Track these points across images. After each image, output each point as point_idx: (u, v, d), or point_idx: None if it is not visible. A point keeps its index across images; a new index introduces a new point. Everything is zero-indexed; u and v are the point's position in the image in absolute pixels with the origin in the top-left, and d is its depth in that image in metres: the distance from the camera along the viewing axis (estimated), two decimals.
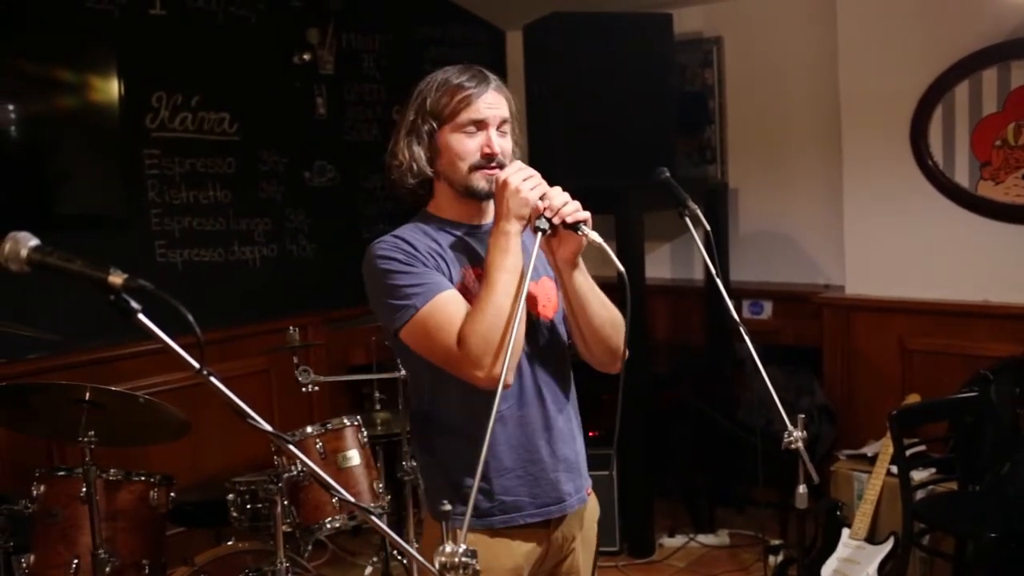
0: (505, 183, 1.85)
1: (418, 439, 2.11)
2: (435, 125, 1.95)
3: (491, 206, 2.02)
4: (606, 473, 4.36)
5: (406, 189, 2.01)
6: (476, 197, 1.98)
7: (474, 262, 1.98)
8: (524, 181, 1.85)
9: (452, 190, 1.99)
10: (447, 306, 1.86)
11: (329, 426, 3.55)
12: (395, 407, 3.90)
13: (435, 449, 2.03)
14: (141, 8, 4.23)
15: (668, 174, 2.55)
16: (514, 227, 1.85)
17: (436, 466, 2.03)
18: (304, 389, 3.66)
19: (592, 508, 2.17)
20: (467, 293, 1.92)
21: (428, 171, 1.98)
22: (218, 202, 4.56)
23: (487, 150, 1.94)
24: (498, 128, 1.97)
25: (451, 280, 1.93)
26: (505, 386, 1.77)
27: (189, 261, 4.45)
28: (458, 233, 2.01)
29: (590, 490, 2.14)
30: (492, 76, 2.00)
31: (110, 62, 4.06)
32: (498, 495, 1.97)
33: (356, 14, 5.10)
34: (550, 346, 2.04)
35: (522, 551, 2.00)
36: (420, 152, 1.97)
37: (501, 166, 1.94)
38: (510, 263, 1.84)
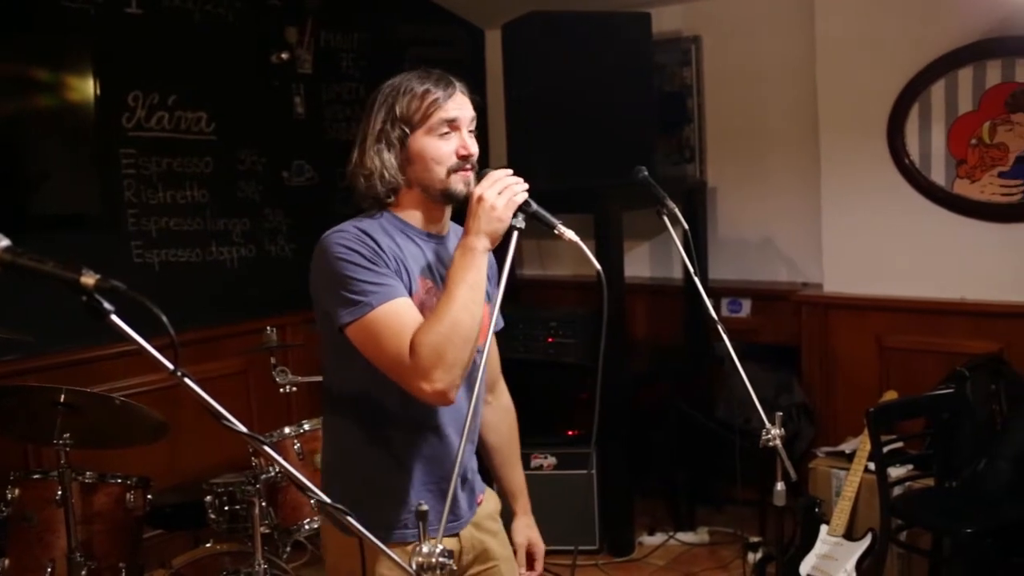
0: (481, 199, 1.82)
1: (335, 440, 2.09)
2: (406, 130, 1.92)
3: (448, 217, 2.03)
4: (586, 472, 4.39)
5: (373, 198, 1.96)
6: (453, 200, 1.96)
7: (427, 274, 1.96)
8: (499, 195, 1.82)
9: (424, 195, 1.97)
10: (403, 312, 1.82)
11: (306, 427, 3.54)
12: None
13: (352, 451, 2.02)
14: (117, 7, 4.19)
15: (646, 173, 2.55)
16: (482, 243, 1.82)
17: (352, 471, 2.02)
18: (282, 390, 3.64)
19: (492, 506, 2.23)
20: (421, 304, 1.89)
21: (400, 178, 1.94)
22: (195, 202, 4.53)
23: (463, 151, 1.93)
24: (469, 129, 1.96)
25: (408, 286, 1.90)
26: (449, 401, 1.77)
27: (166, 261, 4.42)
28: (418, 240, 1.98)
29: (482, 498, 2.19)
30: (455, 79, 1.99)
31: (86, 61, 4.01)
32: (412, 508, 1.92)
33: (334, 13, 5.07)
34: (478, 370, 1.97)
35: None
36: (391, 159, 1.93)
37: (475, 167, 1.94)
38: (473, 279, 1.80)
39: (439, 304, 1.81)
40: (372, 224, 1.93)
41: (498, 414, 2.32)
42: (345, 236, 1.88)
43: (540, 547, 2.32)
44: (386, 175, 1.93)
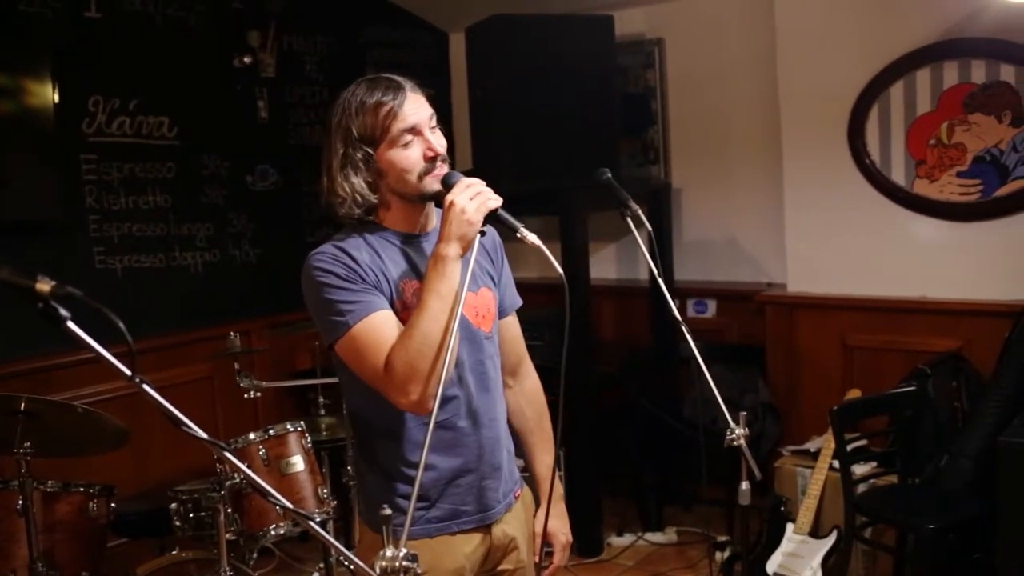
0: (452, 204, 1.83)
1: (357, 444, 2.12)
2: (369, 150, 1.92)
3: (435, 213, 2.03)
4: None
5: (354, 219, 1.96)
6: (432, 200, 1.97)
7: (413, 275, 1.96)
8: (471, 201, 1.83)
9: (402, 202, 1.97)
10: (380, 327, 1.84)
11: (272, 432, 3.51)
12: (340, 412, 3.87)
13: (373, 455, 2.02)
14: (76, 10, 4.15)
15: (609, 175, 2.56)
16: (454, 250, 1.82)
17: (373, 472, 2.02)
18: (247, 395, 3.63)
19: (526, 504, 2.20)
20: (406, 307, 1.90)
21: (372, 198, 1.94)
22: (158, 207, 4.49)
23: (430, 153, 1.93)
24: (430, 128, 1.96)
25: (391, 295, 1.91)
26: (428, 411, 1.77)
27: (129, 267, 4.38)
28: (402, 245, 1.98)
29: (519, 493, 2.17)
30: (403, 80, 1.98)
31: (44, 66, 3.97)
32: (436, 502, 1.99)
33: (297, 16, 5.05)
34: (488, 357, 2.05)
35: (463, 552, 2.01)
36: (359, 182, 1.92)
37: (446, 161, 1.95)
38: (444, 288, 1.80)
39: (411, 318, 1.82)
40: (351, 240, 1.94)
41: (522, 399, 2.26)
42: (321, 258, 1.90)
43: (560, 538, 2.25)
44: (359, 198, 1.93)
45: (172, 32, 4.50)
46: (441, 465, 1.98)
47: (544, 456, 2.27)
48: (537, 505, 2.24)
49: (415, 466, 1.82)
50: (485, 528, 2.05)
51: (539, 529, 2.18)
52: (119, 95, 4.30)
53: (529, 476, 2.28)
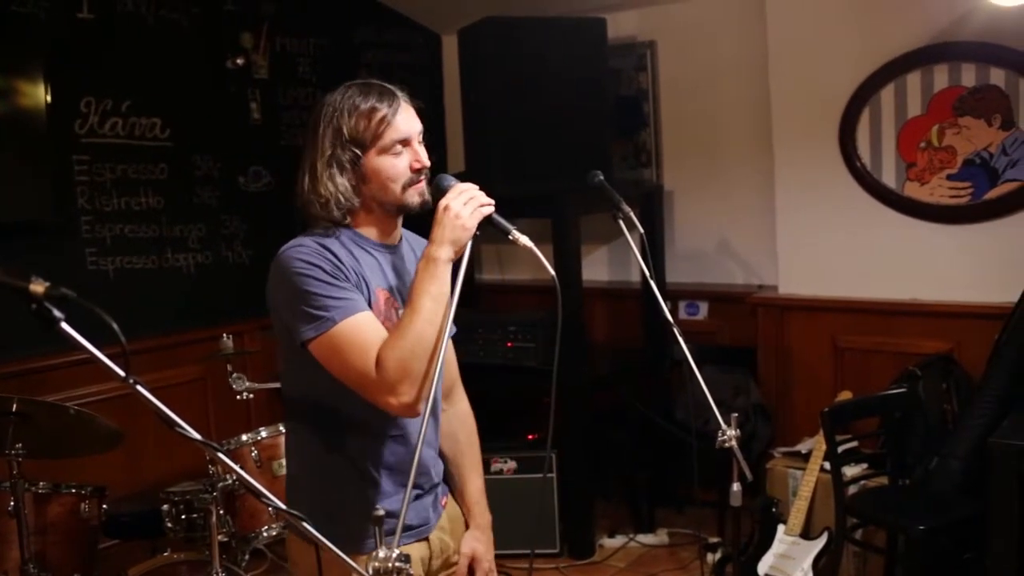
0: (447, 208, 1.83)
1: (299, 453, 2.08)
2: (358, 152, 1.91)
3: (400, 226, 2.03)
4: (542, 476, 4.40)
5: (330, 221, 1.93)
6: (408, 212, 1.98)
7: (384, 284, 1.97)
8: (465, 206, 1.83)
9: (379, 210, 1.97)
10: (366, 326, 1.82)
11: (264, 434, 3.52)
12: None
13: (318, 464, 2.00)
14: (68, 11, 4.14)
15: (602, 177, 2.57)
16: (446, 253, 1.81)
17: (318, 484, 2.00)
18: (239, 397, 3.62)
19: (454, 509, 2.23)
20: (378, 315, 1.89)
21: (356, 201, 1.94)
22: (150, 208, 4.48)
23: (416, 165, 1.94)
24: (418, 141, 1.97)
25: (368, 301, 1.90)
26: (417, 414, 1.78)
27: (121, 268, 4.37)
28: (375, 252, 1.98)
29: (445, 502, 2.20)
30: (397, 90, 1.97)
31: (37, 67, 3.96)
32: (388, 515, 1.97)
33: (290, 18, 5.06)
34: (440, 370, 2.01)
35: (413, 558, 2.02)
36: (344, 182, 1.92)
37: (427, 176, 1.95)
38: (436, 291, 1.80)
39: (403, 317, 1.81)
40: (329, 239, 1.92)
41: (454, 422, 2.27)
42: (304, 251, 1.86)
43: (483, 563, 2.23)
44: (342, 199, 1.92)
45: (165, 33, 4.50)
46: (387, 477, 1.97)
47: (476, 479, 2.28)
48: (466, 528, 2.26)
49: (364, 480, 1.89)
50: (425, 539, 2.10)
51: (466, 550, 2.20)
52: (112, 96, 4.30)
53: (456, 498, 2.29)
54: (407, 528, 2.00)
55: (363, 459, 1.96)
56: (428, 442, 2.05)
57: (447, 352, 2.17)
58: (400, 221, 2.03)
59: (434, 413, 2.07)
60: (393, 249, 2.03)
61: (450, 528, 2.19)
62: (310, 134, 1.96)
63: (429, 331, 1.78)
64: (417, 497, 2.05)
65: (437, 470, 2.14)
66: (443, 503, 2.19)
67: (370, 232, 1.99)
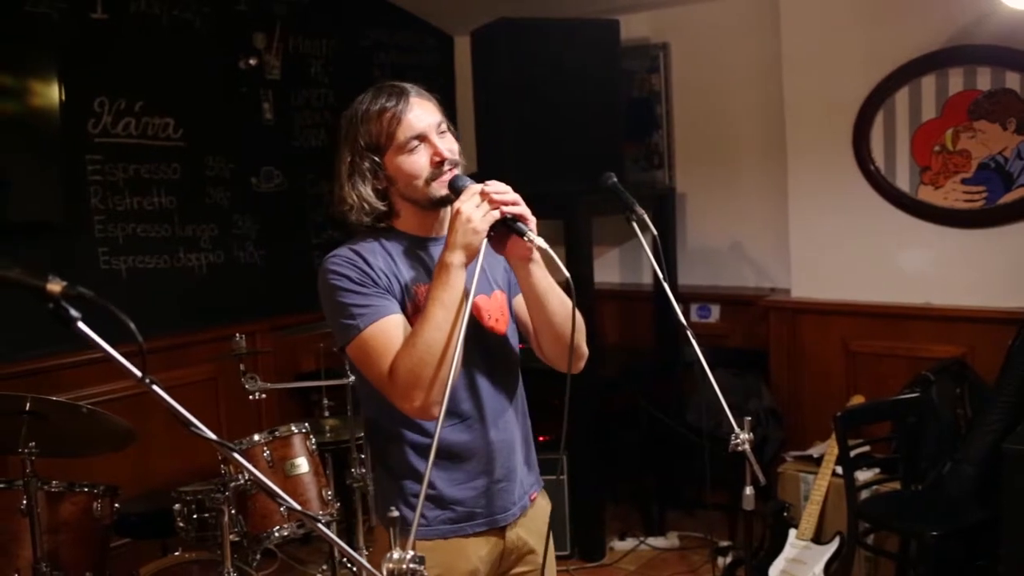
0: (458, 212, 1.83)
1: (371, 446, 2.12)
2: (376, 157, 1.94)
3: (443, 216, 2.03)
4: (555, 477, 4.39)
5: (365, 227, 1.98)
6: (443, 204, 1.98)
7: (427, 279, 1.96)
8: (476, 208, 1.83)
9: (415, 206, 1.99)
10: (390, 331, 1.85)
11: (277, 434, 3.52)
12: (344, 414, 3.88)
13: (386, 457, 2.02)
14: (82, 12, 4.15)
15: (615, 179, 2.56)
16: (458, 258, 1.82)
17: (387, 474, 2.03)
18: (251, 397, 3.63)
19: (541, 508, 2.18)
20: (418, 312, 1.90)
21: (380, 206, 1.96)
22: (163, 208, 4.49)
23: (436, 159, 1.94)
24: (438, 133, 1.96)
25: (404, 299, 1.92)
26: (432, 417, 1.78)
27: (133, 268, 4.38)
28: (417, 248, 2.00)
29: (535, 495, 2.15)
30: (408, 86, 1.98)
31: (50, 67, 3.97)
32: (449, 504, 1.98)
33: (303, 19, 5.06)
34: (502, 359, 2.05)
35: (478, 555, 2.01)
36: (367, 190, 1.95)
37: (455, 165, 1.96)
38: (448, 297, 1.81)
39: (415, 326, 1.84)
40: (367, 244, 1.96)
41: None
42: (336, 261, 1.92)
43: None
44: (366, 207, 1.96)
45: (178, 33, 4.51)
46: (453, 468, 1.98)
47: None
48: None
49: (422, 469, 1.82)
50: (499, 531, 2.05)
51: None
52: (125, 96, 4.31)
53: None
54: (473, 516, 1.99)
55: (421, 450, 1.95)
56: (501, 426, 2.03)
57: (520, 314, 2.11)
58: (444, 212, 2.02)
59: (498, 392, 2.03)
60: (439, 241, 2.01)
61: (534, 527, 2.12)
62: (337, 149, 2.00)
63: (439, 338, 1.79)
64: (490, 485, 2.01)
65: (512, 458, 2.06)
66: (532, 496, 2.14)
67: (411, 229, 2.01)
